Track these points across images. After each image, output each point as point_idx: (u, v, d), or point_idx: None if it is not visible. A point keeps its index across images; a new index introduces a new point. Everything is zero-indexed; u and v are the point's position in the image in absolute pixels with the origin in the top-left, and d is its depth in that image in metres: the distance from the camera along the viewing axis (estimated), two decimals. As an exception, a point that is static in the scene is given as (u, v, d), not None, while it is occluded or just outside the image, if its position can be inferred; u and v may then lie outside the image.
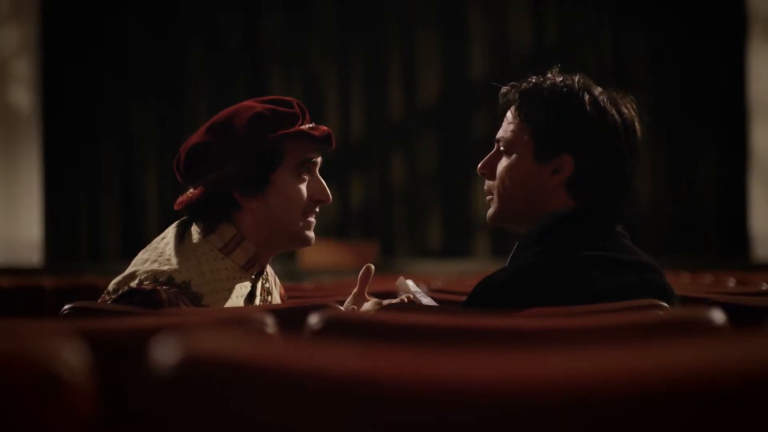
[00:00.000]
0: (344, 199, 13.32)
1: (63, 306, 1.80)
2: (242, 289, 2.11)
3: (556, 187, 1.99)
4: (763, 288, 3.40)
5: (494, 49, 13.43)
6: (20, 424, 0.82)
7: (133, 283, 1.98)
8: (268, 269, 2.28)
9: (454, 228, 13.41)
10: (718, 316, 1.25)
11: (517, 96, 2.06)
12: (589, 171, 1.97)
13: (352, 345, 0.80)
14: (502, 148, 2.05)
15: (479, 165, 2.08)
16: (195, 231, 2.10)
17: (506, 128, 2.05)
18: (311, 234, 2.14)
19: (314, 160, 2.13)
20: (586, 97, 1.99)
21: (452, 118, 13.36)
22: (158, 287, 1.94)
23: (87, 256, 13.08)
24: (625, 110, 2.00)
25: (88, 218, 13.43)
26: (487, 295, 1.88)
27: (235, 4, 13.65)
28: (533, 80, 2.06)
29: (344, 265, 11.44)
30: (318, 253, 11.77)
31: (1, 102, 12.69)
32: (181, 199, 2.11)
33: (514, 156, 2.03)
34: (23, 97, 12.92)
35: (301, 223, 2.12)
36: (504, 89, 2.09)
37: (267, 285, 2.26)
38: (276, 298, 2.30)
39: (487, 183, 2.08)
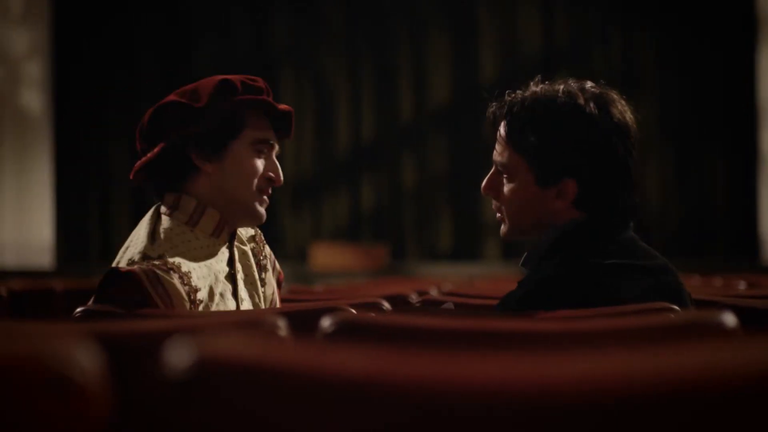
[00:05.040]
0: (355, 202, 13.32)
1: (74, 308, 1.81)
2: (220, 255, 2.15)
3: (563, 208, 1.96)
4: (774, 291, 3.38)
5: (504, 51, 13.43)
6: (33, 427, 0.83)
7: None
8: (267, 250, 2.31)
9: (464, 231, 13.40)
10: (729, 319, 1.25)
11: (502, 116, 2.02)
12: (594, 188, 1.94)
13: (364, 348, 0.80)
14: (501, 170, 2.02)
15: (483, 186, 2.06)
16: (163, 213, 2.14)
17: (501, 152, 2.02)
18: (263, 210, 2.18)
19: (272, 142, 2.18)
20: (574, 114, 1.91)
21: (462, 120, 13.35)
22: (133, 268, 1.98)
23: (98, 258, 13.10)
24: (616, 112, 1.93)
25: (99, 220, 13.47)
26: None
27: (245, 5, 13.68)
28: (516, 98, 2.00)
29: (355, 268, 11.44)
30: (328, 256, 11.79)
31: (13, 104, 12.73)
32: (136, 164, 2.15)
33: (516, 181, 2.00)
34: (34, 99, 12.96)
35: (254, 197, 2.16)
36: (489, 110, 2.05)
37: (259, 256, 2.28)
38: (270, 280, 2.30)
39: (494, 203, 2.06)
